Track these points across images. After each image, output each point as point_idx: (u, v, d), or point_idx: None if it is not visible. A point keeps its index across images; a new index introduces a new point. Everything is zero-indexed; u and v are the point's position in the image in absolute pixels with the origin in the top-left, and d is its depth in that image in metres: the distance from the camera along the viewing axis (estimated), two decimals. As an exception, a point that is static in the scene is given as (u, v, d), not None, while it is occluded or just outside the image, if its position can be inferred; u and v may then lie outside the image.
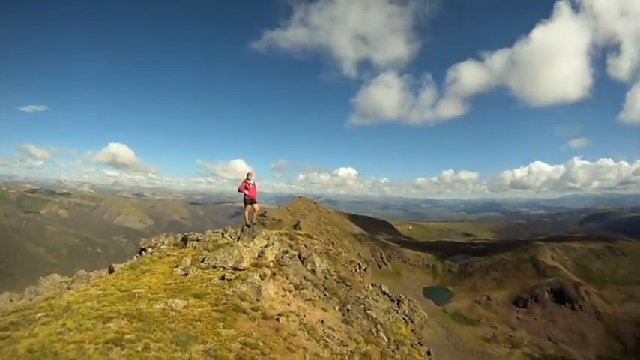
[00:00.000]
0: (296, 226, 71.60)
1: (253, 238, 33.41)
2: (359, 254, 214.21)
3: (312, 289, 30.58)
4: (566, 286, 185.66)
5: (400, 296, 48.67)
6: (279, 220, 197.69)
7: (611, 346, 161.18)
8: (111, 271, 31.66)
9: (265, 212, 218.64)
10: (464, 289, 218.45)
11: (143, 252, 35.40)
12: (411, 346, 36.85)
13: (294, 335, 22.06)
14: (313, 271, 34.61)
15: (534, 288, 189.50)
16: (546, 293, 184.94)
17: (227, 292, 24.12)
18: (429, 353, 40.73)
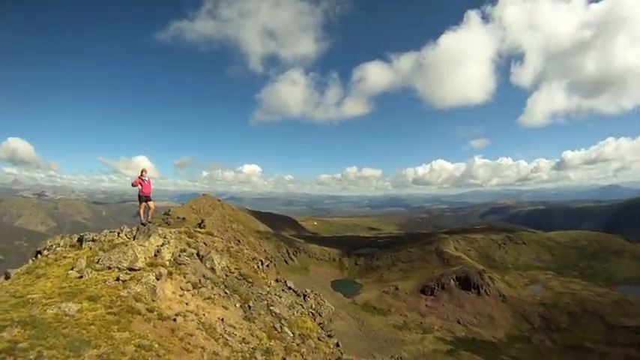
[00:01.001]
0: (200, 224, 70.91)
1: (149, 236, 32.86)
2: (265, 251, 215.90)
3: (212, 288, 30.83)
4: (471, 274, 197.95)
5: (306, 291, 49.75)
6: (183, 218, 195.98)
7: (519, 325, 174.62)
8: (7, 277, 30.59)
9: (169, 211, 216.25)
10: (372, 281, 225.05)
11: (39, 255, 34.32)
12: (318, 339, 37.79)
13: (191, 335, 22.38)
14: (213, 269, 34.84)
15: (440, 277, 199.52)
16: (452, 281, 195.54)
17: (122, 293, 23.84)
18: (337, 345, 41.86)
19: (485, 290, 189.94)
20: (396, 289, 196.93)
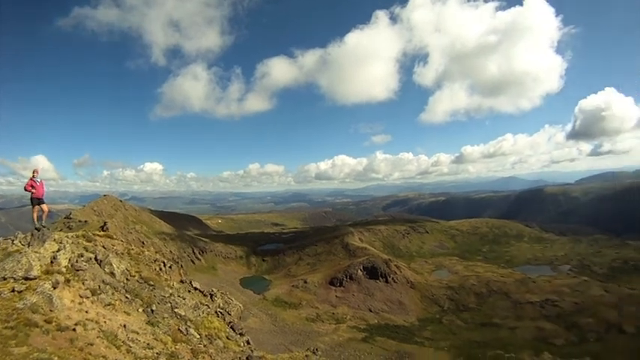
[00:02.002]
0: (103, 227, 68.89)
1: (44, 242, 31.37)
2: (171, 252, 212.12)
3: (112, 293, 30.09)
4: (378, 263, 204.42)
5: (213, 290, 49.64)
6: (85, 221, 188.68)
7: (429, 309, 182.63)
8: None
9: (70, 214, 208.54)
10: (280, 276, 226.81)
11: None
12: (227, 338, 37.83)
13: (92, 345, 21.83)
14: (112, 274, 33.95)
15: (347, 268, 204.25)
16: (359, 271, 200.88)
17: (18, 305, 22.62)
18: (248, 342, 42.03)
19: (392, 278, 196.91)
20: (305, 282, 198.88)
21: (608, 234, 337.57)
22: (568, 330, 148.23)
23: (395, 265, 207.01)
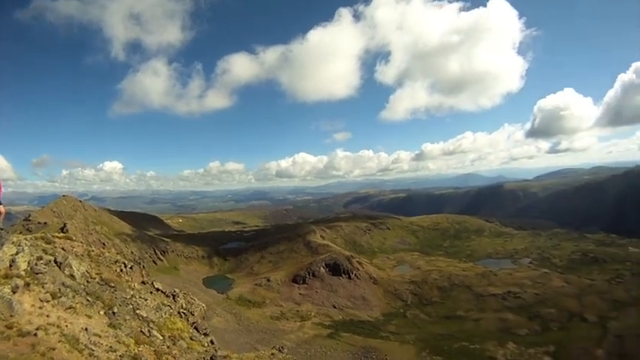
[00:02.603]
0: (63, 229, 67.55)
1: (2, 245, 30.28)
2: (132, 253, 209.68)
3: (73, 296, 29.42)
4: (340, 260, 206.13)
5: (175, 291, 49.05)
6: (45, 223, 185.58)
7: (393, 303, 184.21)
8: None
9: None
10: (243, 274, 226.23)
11: None
12: (191, 339, 37.43)
13: (53, 349, 21.38)
14: (72, 276, 33.20)
15: (310, 265, 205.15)
16: (322, 268, 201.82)
17: None
18: (212, 342, 41.67)
19: (355, 274, 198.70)
20: (268, 280, 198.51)
21: (566, 228, 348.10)
22: (531, 320, 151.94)
23: (357, 262, 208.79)
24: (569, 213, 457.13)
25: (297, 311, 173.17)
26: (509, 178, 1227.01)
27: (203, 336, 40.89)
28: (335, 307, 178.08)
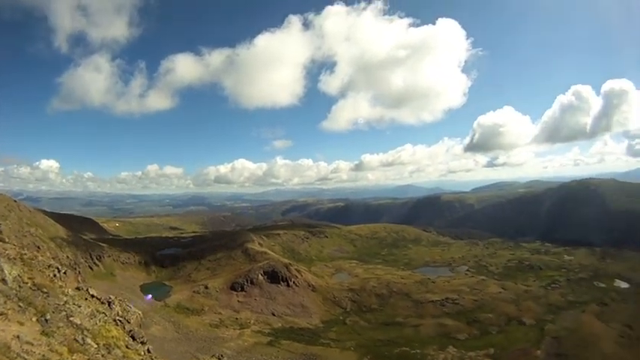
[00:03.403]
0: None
1: None
2: (68, 257, 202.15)
3: (5, 302, 27.24)
4: (278, 268, 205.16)
5: (110, 297, 46.62)
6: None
7: (332, 311, 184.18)
8: None
9: None
10: (180, 281, 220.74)
11: None
12: (127, 347, 35.25)
13: None
14: (4, 281, 30.84)
15: (248, 272, 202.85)
16: (260, 276, 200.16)
17: None
18: (149, 351, 39.51)
19: (294, 282, 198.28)
20: (206, 287, 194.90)
21: (502, 238, 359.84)
22: (470, 325, 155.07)
23: (295, 269, 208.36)
24: (505, 223, 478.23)
25: (236, 319, 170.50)
26: (447, 190, 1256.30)
27: (140, 344, 38.69)
28: (274, 315, 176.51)
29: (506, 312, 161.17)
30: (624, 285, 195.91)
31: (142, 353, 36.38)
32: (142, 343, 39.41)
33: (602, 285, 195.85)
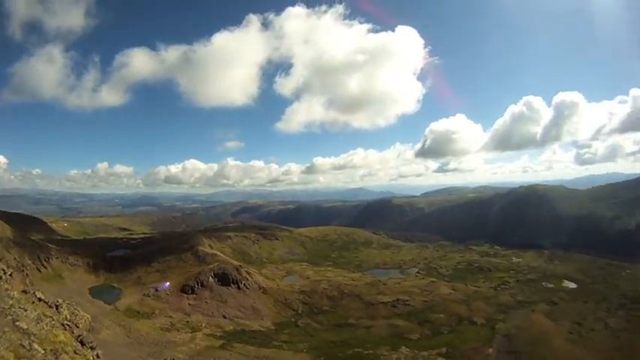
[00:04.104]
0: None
1: None
2: (15, 258, 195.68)
3: (-53, 306, 25.29)
4: (229, 270, 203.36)
5: (58, 301, 44.25)
6: None
7: (284, 313, 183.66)
8: None
9: None
10: (130, 284, 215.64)
11: None
12: (75, 352, 33.14)
13: None
14: (-56, 285, 28.75)
15: (198, 275, 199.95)
16: (211, 278, 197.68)
17: None
18: (98, 357, 37.33)
19: (244, 284, 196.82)
20: (156, 290, 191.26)
21: (452, 241, 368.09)
22: (421, 325, 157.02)
23: (246, 272, 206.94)
24: (455, 227, 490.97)
25: (188, 322, 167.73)
26: (397, 193, 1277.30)
27: (89, 350, 36.45)
28: (225, 318, 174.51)
29: (457, 312, 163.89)
30: (572, 285, 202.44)
31: (91, 359, 34.34)
32: (92, 348, 37.24)
33: (551, 285, 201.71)
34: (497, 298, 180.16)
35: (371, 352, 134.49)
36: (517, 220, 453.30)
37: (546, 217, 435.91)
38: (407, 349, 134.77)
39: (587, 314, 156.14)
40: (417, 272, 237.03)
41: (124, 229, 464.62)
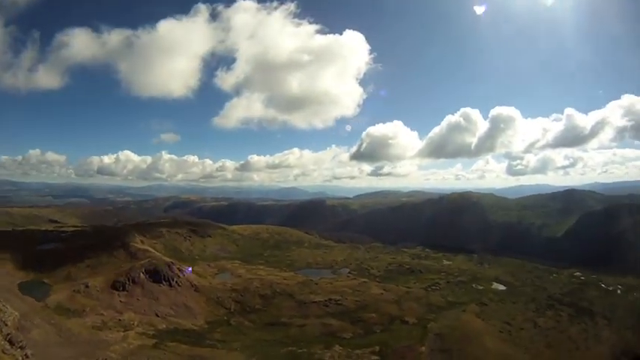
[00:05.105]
0: None
1: None
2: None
3: None
4: (160, 266, 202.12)
5: (-16, 298, 45.46)
6: None
7: (216, 311, 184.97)
8: None
9: None
10: (61, 279, 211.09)
11: None
12: (3, 352, 35.22)
13: None
14: None
15: (129, 271, 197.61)
16: (142, 275, 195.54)
17: None
18: (27, 357, 39.42)
19: (176, 282, 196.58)
20: (87, 286, 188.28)
21: (384, 243, 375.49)
22: (354, 324, 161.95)
23: (178, 268, 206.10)
24: (387, 230, 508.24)
25: (120, 320, 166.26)
26: (331, 195, 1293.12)
27: (18, 349, 38.56)
28: (158, 316, 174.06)
29: (389, 312, 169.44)
30: (501, 287, 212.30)
31: (20, 359, 36.25)
32: (21, 347, 39.07)
33: (481, 287, 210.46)
34: (429, 298, 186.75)
35: (305, 350, 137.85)
36: (448, 224, 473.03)
37: (477, 223, 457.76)
38: (340, 348, 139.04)
39: (517, 314, 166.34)
40: (349, 272, 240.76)
41: (55, 221, 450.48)
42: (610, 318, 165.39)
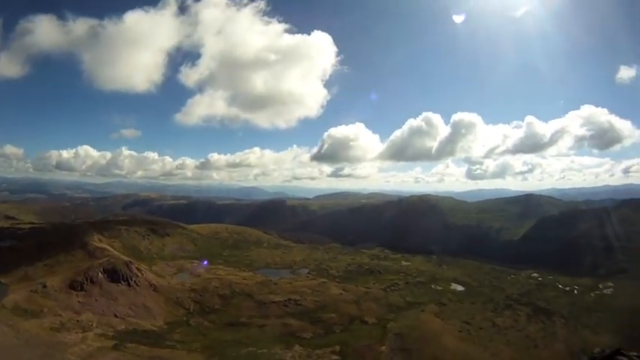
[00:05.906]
0: None
1: None
2: None
3: None
4: (118, 266, 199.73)
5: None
6: None
7: (175, 312, 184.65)
8: None
9: None
10: (17, 279, 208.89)
11: None
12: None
13: None
14: None
15: (87, 270, 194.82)
16: (100, 274, 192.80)
17: None
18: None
19: (135, 281, 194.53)
20: (44, 286, 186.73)
21: (343, 244, 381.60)
22: (313, 324, 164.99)
23: (136, 268, 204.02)
24: (346, 231, 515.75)
25: (78, 321, 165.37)
26: (290, 195, 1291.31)
27: None
28: (117, 317, 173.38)
29: (348, 312, 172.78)
30: (460, 288, 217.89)
31: None
32: None
33: (440, 288, 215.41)
34: (388, 299, 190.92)
35: (265, 351, 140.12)
36: (407, 226, 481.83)
37: (436, 225, 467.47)
38: (301, 348, 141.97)
39: (475, 314, 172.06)
40: (308, 273, 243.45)
41: (11, 218, 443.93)
42: (567, 317, 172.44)
